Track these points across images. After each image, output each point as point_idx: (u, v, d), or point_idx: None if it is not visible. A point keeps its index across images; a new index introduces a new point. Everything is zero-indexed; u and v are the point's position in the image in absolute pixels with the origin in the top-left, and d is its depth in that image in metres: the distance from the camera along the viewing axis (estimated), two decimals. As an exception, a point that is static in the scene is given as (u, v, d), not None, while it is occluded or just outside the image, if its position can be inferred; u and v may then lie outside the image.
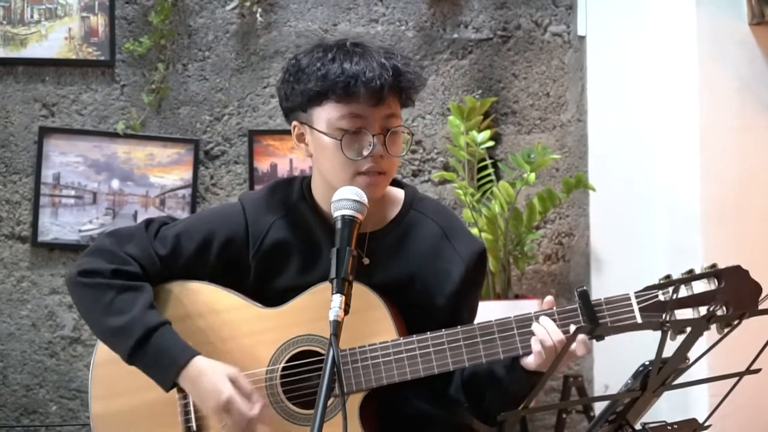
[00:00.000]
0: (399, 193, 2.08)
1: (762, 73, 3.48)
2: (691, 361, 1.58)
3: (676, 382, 1.57)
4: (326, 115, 1.91)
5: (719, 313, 1.73)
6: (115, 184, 3.75)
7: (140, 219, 3.63)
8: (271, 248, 2.03)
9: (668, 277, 1.83)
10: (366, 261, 1.96)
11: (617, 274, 3.93)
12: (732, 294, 1.77)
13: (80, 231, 3.72)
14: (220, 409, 1.91)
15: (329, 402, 1.84)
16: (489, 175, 3.82)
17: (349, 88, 1.87)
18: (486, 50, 4.04)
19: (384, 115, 1.91)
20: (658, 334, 1.45)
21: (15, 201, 3.72)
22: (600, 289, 4.03)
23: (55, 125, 3.73)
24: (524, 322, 1.89)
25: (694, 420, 1.63)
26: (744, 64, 3.47)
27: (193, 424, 2.01)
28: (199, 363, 1.94)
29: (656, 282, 1.85)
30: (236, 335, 2.02)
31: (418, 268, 2.00)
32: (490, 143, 3.74)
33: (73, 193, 3.71)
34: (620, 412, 1.49)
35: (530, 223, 3.76)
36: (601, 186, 3.90)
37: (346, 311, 1.68)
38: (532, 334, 1.86)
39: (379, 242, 2.00)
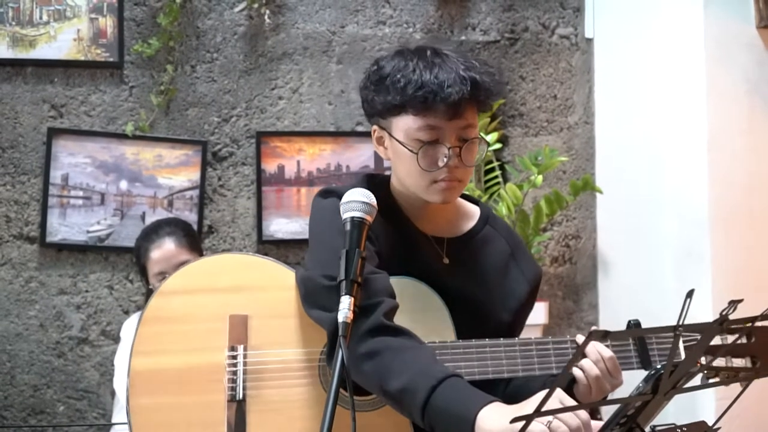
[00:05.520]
0: (474, 209, 2.17)
1: (770, 75, 3.49)
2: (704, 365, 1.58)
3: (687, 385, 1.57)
4: (404, 125, 1.96)
5: (743, 364, 1.76)
6: (123, 185, 3.75)
7: (148, 220, 3.64)
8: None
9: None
10: (446, 261, 2.04)
11: (624, 276, 3.93)
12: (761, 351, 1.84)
13: (88, 232, 3.73)
14: None
15: (373, 395, 1.92)
16: (496, 177, 3.83)
17: (427, 102, 1.91)
18: (493, 52, 4.05)
19: (460, 127, 1.95)
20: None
21: (23, 202, 3.73)
22: (606, 292, 4.03)
23: (64, 126, 3.74)
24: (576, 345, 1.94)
25: (703, 422, 1.62)
26: (752, 67, 3.47)
27: (239, 393, 1.99)
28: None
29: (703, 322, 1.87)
30: None
31: (489, 281, 2.08)
32: (498, 145, 3.74)
33: (81, 194, 3.72)
34: (631, 415, 1.49)
35: (537, 226, 3.76)
36: (609, 188, 3.90)
37: (355, 312, 1.69)
38: (583, 356, 1.89)
39: (458, 248, 2.08)
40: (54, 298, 3.73)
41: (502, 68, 3.97)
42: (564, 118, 4.09)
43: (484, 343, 1.94)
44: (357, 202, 1.82)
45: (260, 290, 2.06)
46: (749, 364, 1.82)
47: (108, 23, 3.76)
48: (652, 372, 1.42)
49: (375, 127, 2.03)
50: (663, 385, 1.42)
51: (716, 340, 1.86)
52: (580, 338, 1.95)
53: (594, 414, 3.70)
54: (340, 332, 1.65)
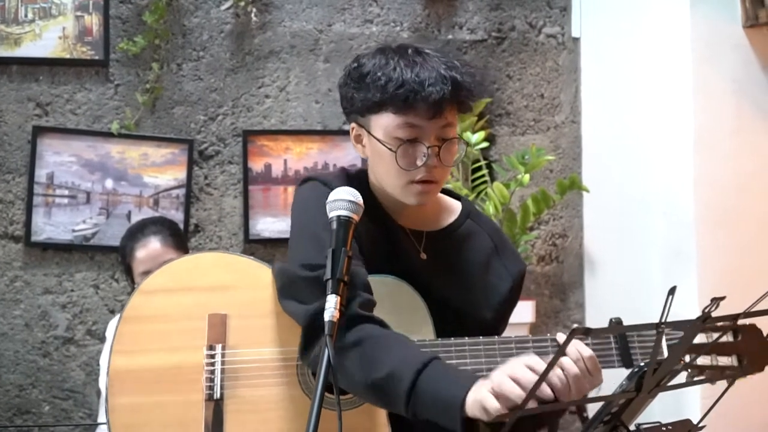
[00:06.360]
0: (455, 203, 2.13)
1: (756, 75, 3.49)
2: (686, 364, 1.58)
3: (671, 383, 1.57)
4: (384, 123, 1.94)
5: (729, 362, 1.77)
6: (109, 183, 3.74)
7: (134, 219, 3.63)
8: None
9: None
10: (423, 256, 2.01)
11: (611, 275, 3.94)
12: (747, 349, 1.84)
13: (73, 231, 3.71)
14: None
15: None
16: (483, 176, 3.83)
17: (408, 101, 1.90)
18: (481, 51, 4.05)
19: (440, 126, 1.93)
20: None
21: (8, 200, 3.71)
22: (593, 291, 4.03)
23: (49, 125, 3.72)
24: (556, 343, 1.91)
25: (688, 421, 1.63)
26: (738, 67, 3.47)
27: (217, 393, 1.99)
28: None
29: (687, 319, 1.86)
30: None
31: (471, 277, 2.05)
32: (485, 144, 3.74)
33: (66, 192, 3.71)
34: (615, 412, 1.49)
35: (524, 225, 3.76)
36: (595, 187, 3.90)
37: (341, 312, 1.68)
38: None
39: (437, 242, 2.05)
40: (39, 297, 3.71)
41: (486, 69, 3.96)
42: (551, 117, 4.09)
43: (463, 342, 1.91)
44: (344, 200, 1.80)
45: (240, 289, 2.05)
46: (735, 363, 1.82)
47: (94, 21, 3.75)
48: (636, 369, 1.42)
49: (353, 125, 2.01)
50: (647, 382, 1.42)
51: (702, 339, 1.86)
52: (561, 337, 1.91)
53: (580, 411, 3.71)
54: (326, 331, 1.64)
